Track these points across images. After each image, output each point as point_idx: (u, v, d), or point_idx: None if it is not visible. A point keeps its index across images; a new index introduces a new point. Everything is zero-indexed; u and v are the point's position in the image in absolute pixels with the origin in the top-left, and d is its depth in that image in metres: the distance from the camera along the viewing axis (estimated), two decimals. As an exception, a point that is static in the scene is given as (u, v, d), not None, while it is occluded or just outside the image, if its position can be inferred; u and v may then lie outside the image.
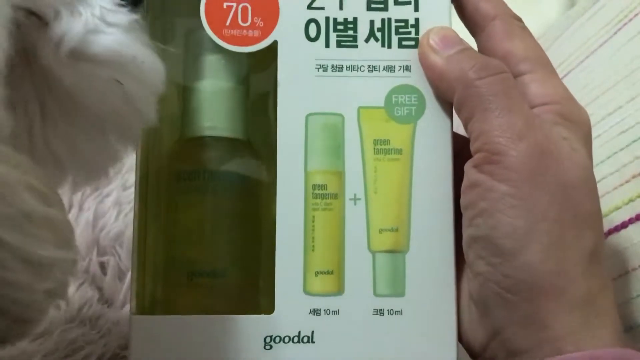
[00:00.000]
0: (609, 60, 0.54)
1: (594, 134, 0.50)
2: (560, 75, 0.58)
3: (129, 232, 0.53)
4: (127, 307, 0.50)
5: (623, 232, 0.46)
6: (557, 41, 0.62)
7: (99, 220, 0.54)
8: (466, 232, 0.34)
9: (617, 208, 0.47)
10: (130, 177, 0.56)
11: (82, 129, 0.32)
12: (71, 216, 0.53)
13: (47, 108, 0.31)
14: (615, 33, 0.55)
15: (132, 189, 0.54)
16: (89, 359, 0.47)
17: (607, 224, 0.47)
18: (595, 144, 0.50)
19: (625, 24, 0.54)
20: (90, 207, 0.54)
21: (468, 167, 0.34)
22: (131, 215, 0.53)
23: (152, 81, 0.32)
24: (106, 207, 0.54)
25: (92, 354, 0.47)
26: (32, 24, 0.28)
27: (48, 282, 0.24)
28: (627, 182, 0.47)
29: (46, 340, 0.47)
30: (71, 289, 0.50)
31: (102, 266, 0.52)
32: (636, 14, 0.53)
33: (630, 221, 0.46)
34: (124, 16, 0.30)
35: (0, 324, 0.22)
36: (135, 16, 0.31)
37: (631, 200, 0.47)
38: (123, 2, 0.30)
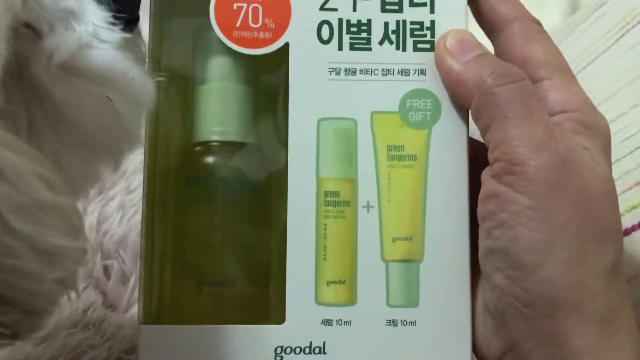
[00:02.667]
0: (612, 67, 0.53)
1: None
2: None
3: (133, 236, 0.52)
4: (131, 311, 0.49)
5: (626, 239, 0.45)
6: (560, 47, 0.60)
7: (102, 224, 0.53)
8: (483, 244, 0.32)
9: (621, 215, 0.46)
10: (134, 180, 0.54)
11: (68, 145, 0.31)
12: (74, 220, 0.51)
13: (35, 121, 0.30)
14: (618, 40, 0.53)
15: (136, 193, 0.53)
16: (92, 363, 0.46)
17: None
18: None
19: (628, 31, 0.52)
20: (94, 211, 0.53)
21: (486, 176, 0.32)
22: (135, 219, 0.52)
23: (141, 98, 0.31)
24: (110, 211, 0.54)
25: (96, 358, 0.46)
26: (27, 36, 0.27)
27: (58, 271, 0.23)
28: (630, 189, 0.46)
29: (50, 344, 0.46)
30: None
31: (106, 270, 0.51)
32: (639, 21, 0.52)
33: (634, 228, 0.45)
34: (116, 34, 0.30)
35: (12, 316, 0.22)
36: (127, 35, 0.30)
37: (634, 207, 0.46)
38: (116, 21, 0.30)
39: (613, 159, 0.47)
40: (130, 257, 0.51)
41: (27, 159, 0.23)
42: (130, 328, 0.48)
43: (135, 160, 0.55)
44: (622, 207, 0.46)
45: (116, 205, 0.54)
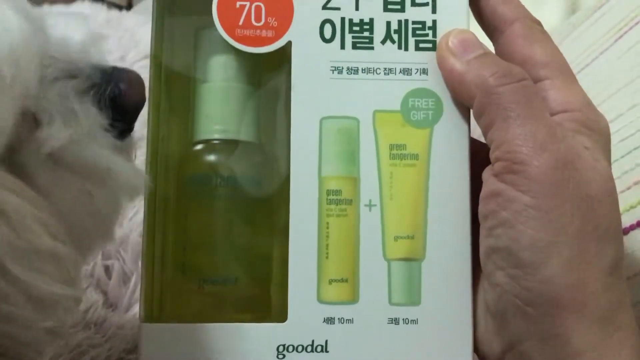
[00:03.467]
0: (611, 67, 0.53)
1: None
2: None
3: (133, 236, 0.51)
4: (132, 311, 0.49)
5: (625, 238, 0.45)
6: (559, 48, 0.60)
7: None
8: (485, 242, 0.32)
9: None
10: None
11: None
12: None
13: None
14: (617, 41, 0.53)
15: None
16: (94, 363, 0.46)
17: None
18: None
19: (626, 32, 0.52)
20: None
21: (487, 175, 0.32)
22: (135, 219, 0.52)
23: (122, 197, 0.31)
24: None
25: (97, 358, 0.46)
26: (26, 121, 0.28)
27: (50, 320, 0.23)
28: (628, 188, 0.46)
29: None
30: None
31: (107, 270, 0.51)
32: (638, 22, 0.52)
33: (632, 227, 0.45)
34: (109, 139, 0.30)
35: None
36: (119, 142, 0.31)
37: (632, 207, 0.46)
38: (111, 129, 0.30)
39: (612, 159, 0.47)
40: (131, 258, 0.51)
41: (30, 204, 0.23)
42: (131, 328, 0.48)
43: (137, 161, 0.54)
44: (621, 206, 0.46)
45: None
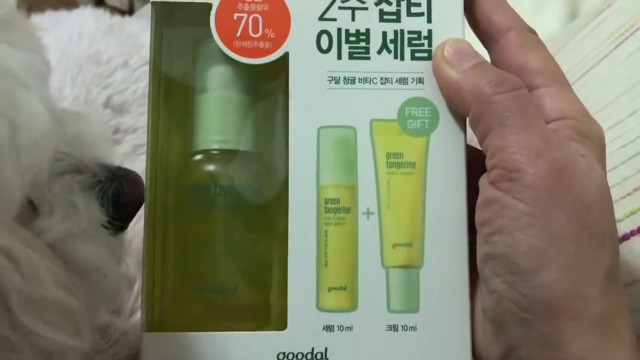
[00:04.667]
0: (610, 74, 0.53)
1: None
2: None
3: (136, 242, 0.51)
4: (136, 317, 0.50)
5: (625, 244, 0.45)
6: (558, 54, 0.61)
7: None
8: (482, 249, 0.33)
9: (619, 221, 0.46)
10: None
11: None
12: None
13: None
14: (616, 47, 0.54)
15: None
16: (98, 368, 0.46)
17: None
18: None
19: (626, 38, 0.53)
20: None
21: (484, 183, 0.33)
22: (139, 225, 0.51)
23: (106, 297, 0.32)
24: None
25: None
26: (26, 210, 0.28)
27: None
28: (628, 194, 0.47)
29: None
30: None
31: None
32: (637, 29, 0.52)
33: (632, 233, 0.45)
34: (104, 235, 0.31)
35: None
36: (113, 238, 0.32)
37: (633, 213, 0.46)
38: (109, 226, 0.32)
39: (611, 165, 0.47)
40: (135, 263, 0.50)
41: (42, 257, 0.24)
42: (135, 334, 0.48)
43: (139, 168, 0.54)
44: (621, 212, 0.46)
45: None
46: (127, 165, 0.54)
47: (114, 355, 0.47)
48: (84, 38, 0.66)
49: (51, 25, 0.69)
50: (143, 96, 0.61)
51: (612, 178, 0.47)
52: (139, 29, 0.71)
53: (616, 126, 0.50)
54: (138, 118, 0.60)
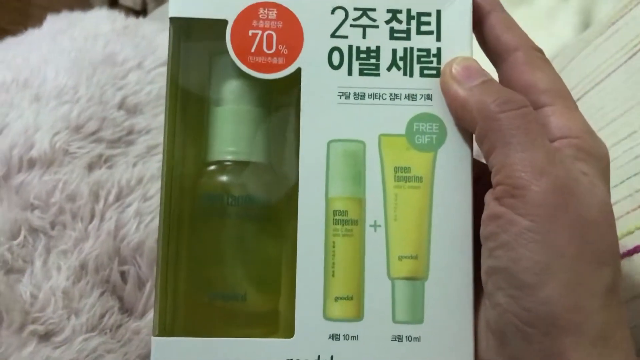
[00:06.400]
0: (624, 84, 0.53)
1: (607, 158, 0.49)
2: (575, 98, 0.57)
3: (149, 242, 0.53)
4: (147, 317, 0.51)
5: (635, 256, 0.46)
6: (571, 63, 0.61)
7: (120, 230, 0.53)
8: (486, 263, 0.34)
9: (630, 232, 0.46)
10: (152, 188, 0.55)
11: None
12: (93, 226, 0.53)
13: None
14: (631, 57, 0.54)
15: (153, 200, 0.54)
16: (109, 368, 0.48)
17: (619, 248, 0.46)
18: (609, 168, 0.49)
19: (640, 49, 0.53)
20: (112, 217, 0.53)
21: (489, 198, 0.34)
22: (151, 225, 0.53)
23: None
24: (127, 218, 0.54)
25: None
26: None
27: None
28: (639, 207, 0.47)
29: (68, 348, 0.48)
30: (92, 299, 0.50)
31: (123, 275, 0.52)
32: (652, 39, 0.53)
33: None
34: None
35: None
36: None
37: None
38: None
39: (623, 177, 0.48)
40: (147, 263, 0.52)
41: None
42: (146, 334, 0.49)
43: (152, 168, 0.56)
44: (632, 225, 0.46)
45: (133, 212, 0.54)
46: (141, 165, 0.56)
47: (125, 355, 0.48)
48: (99, 39, 0.67)
49: (67, 26, 0.71)
50: (157, 97, 0.62)
51: (623, 189, 0.48)
52: (153, 30, 0.72)
53: (629, 137, 0.50)
54: (152, 119, 0.61)
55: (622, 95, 0.53)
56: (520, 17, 0.66)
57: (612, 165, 0.49)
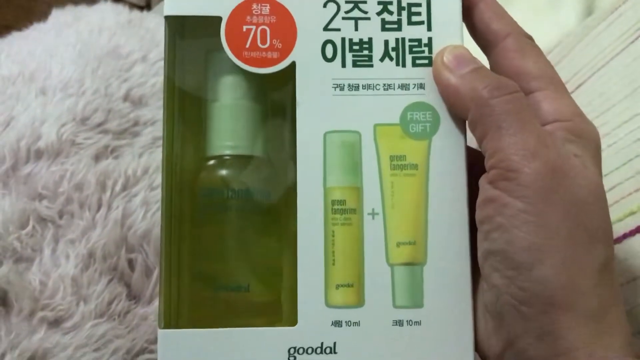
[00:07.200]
0: (626, 68, 0.54)
1: (609, 141, 0.50)
2: (577, 83, 0.58)
3: (156, 231, 0.54)
4: (154, 303, 0.52)
5: (638, 236, 0.46)
6: (575, 49, 0.62)
7: (127, 219, 0.55)
8: (482, 246, 0.35)
9: (632, 213, 0.47)
10: (158, 178, 0.57)
11: None
12: (100, 215, 0.54)
13: None
14: (633, 42, 0.54)
15: (159, 189, 0.55)
16: (118, 353, 0.49)
17: (621, 229, 0.47)
18: (610, 151, 0.50)
19: (642, 33, 0.54)
20: (119, 206, 0.54)
21: (483, 182, 0.35)
22: (158, 214, 0.54)
23: None
24: (134, 207, 0.55)
25: (121, 348, 0.49)
26: None
27: None
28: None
29: (77, 334, 0.49)
30: (101, 285, 0.51)
31: (130, 263, 0.53)
32: (654, 24, 0.53)
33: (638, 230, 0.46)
34: None
35: None
36: None
37: None
38: None
39: (625, 159, 0.49)
40: (153, 251, 0.53)
41: None
42: (153, 320, 0.51)
43: (158, 159, 0.57)
44: (635, 205, 0.47)
45: (140, 201, 0.55)
46: (147, 156, 0.57)
47: (133, 340, 0.49)
48: (104, 32, 0.68)
49: (72, 20, 0.72)
50: (161, 89, 0.63)
51: (625, 171, 0.49)
52: (157, 24, 0.73)
53: (631, 120, 0.50)
54: (157, 111, 0.62)
55: (625, 78, 0.53)
56: (525, 5, 0.67)
57: (613, 148, 0.50)
